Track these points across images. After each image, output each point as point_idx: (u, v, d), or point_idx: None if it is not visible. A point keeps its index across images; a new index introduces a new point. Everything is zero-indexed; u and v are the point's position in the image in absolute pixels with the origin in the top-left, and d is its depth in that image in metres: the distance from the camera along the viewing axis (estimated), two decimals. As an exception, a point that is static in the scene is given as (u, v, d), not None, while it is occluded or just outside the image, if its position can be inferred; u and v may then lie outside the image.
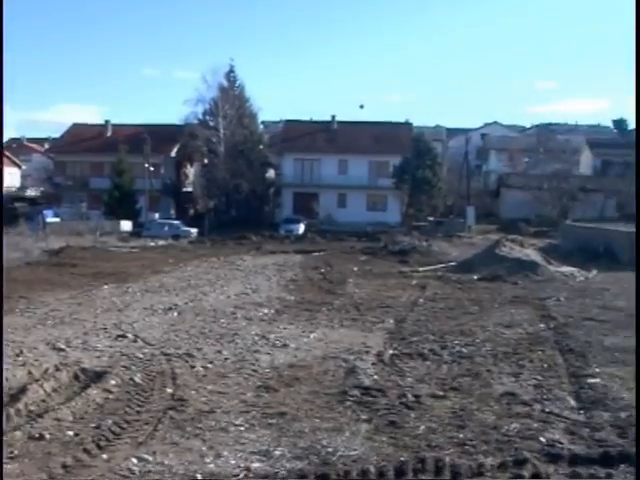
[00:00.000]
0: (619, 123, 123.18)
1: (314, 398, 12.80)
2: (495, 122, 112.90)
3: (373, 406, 12.28)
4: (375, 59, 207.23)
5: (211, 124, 79.82)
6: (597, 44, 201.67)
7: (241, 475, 9.29)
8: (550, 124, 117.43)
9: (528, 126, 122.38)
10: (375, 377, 14.39)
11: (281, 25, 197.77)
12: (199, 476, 9.25)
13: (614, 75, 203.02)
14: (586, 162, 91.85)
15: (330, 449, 10.21)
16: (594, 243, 44.64)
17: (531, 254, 37.42)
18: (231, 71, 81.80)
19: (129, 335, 18.33)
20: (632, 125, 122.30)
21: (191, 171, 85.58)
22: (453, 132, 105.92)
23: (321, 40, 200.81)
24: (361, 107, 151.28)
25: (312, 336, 18.75)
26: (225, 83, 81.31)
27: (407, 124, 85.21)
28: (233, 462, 9.74)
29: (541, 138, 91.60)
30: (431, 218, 70.92)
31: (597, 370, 15.33)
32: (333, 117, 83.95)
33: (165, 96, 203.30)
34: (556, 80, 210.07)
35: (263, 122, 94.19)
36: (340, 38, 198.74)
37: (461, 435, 10.90)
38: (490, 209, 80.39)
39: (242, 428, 11.13)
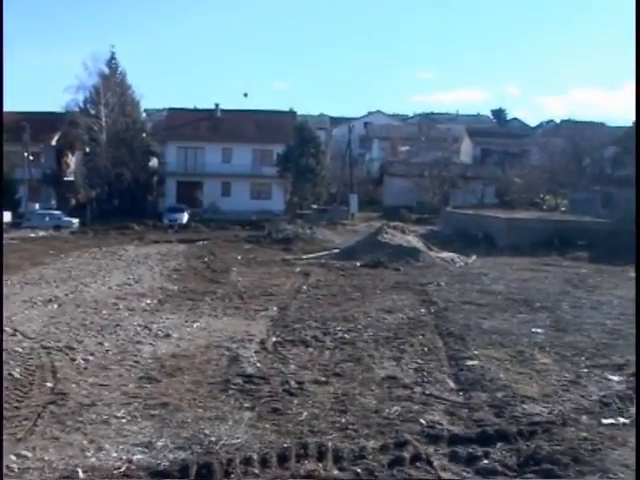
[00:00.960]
0: (498, 113, 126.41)
1: (197, 388, 12.76)
2: (378, 111, 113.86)
3: (256, 394, 12.33)
4: (259, 47, 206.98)
5: (92, 112, 78.06)
6: (477, 36, 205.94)
7: (123, 468, 9.19)
8: (432, 113, 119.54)
9: (410, 115, 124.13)
10: (258, 365, 14.44)
11: (163, 12, 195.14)
12: (80, 471, 9.09)
13: (493, 67, 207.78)
14: (466, 150, 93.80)
15: (213, 438, 10.21)
16: (473, 229, 45.78)
17: (412, 240, 38.10)
18: (112, 58, 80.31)
19: (7, 329, 17.78)
20: (511, 115, 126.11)
21: (72, 160, 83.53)
22: (337, 121, 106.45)
23: (204, 28, 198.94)
24: (245, 95, 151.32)
25: (195, 325, 18.67)
26: (106, 70, 79.71)
27: (291, 112, 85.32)
28: (115, 455, 9.63)
29: (423, 127, 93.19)
30: (315, 206, 71.18)
31: (475, 352, 15.77)
32: (217, 105, 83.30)
33: (45, 83, 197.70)
34: (436, 71, 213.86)
35: (146, 110, 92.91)
36: (223, 25, 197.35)
37: (343, 420, 11.04)
38: (373, 197, 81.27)
39: (124, 420, 11.00)
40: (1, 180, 57.98)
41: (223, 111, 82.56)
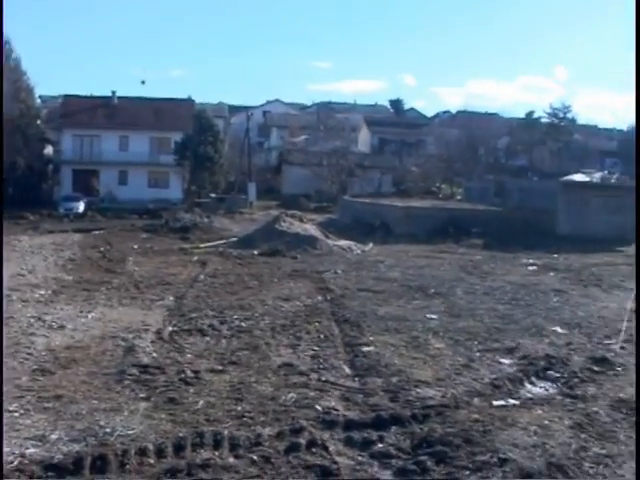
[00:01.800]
0: (395, 103, 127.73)
1: (92, 379, 12.61)
2: (277, 100, 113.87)
3: (152, 384, 12.26)
4: (156, 34, 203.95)
5: (-15, 98, 75.99)
6: (374, 27, 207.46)
7: (15, 462, 9.03)
8: (330, 103, 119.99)
9: (309, 104, 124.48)
10: (154, 355, 14.36)
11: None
12: (-30, 468, 8.90)
13: (390, 58, 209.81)
14: (364, 140, 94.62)
15: (108, 429, 10.12)
16: (371, 217, 46.29)
17: (310, 229, 38.24)
18: (6, 43, 78.14)
19: None
20: (408, 105, 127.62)
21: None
22: (235, 109, 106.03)
23: (100, 13, 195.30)
24: (142, 83, 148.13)
25: (90, 316, 18.38)
26: (0, 55, 77.58)
27: (189, 100, 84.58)
28: (7, 449, 9.41)
29: (321, 116, 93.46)
30: (213, 195, 70.75)
31: (371, 339, 16.02)
32: (113, 92, 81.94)
33: None
34: (334, 61, 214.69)
35: (41, 97, 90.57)
36: (119, 11, 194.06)
37: (239, 408, 11.09)
38: (272, 185, 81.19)
39: (16, 414, 10.79)
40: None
41: (120, 98, 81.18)
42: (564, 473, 9.03)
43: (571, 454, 9.61)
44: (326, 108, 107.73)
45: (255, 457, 9.23)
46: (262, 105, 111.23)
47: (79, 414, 10.77)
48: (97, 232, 45.97)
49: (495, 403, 11.63)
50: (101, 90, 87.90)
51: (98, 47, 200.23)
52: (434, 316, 18.88)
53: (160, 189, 73.97)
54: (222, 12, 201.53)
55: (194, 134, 70.78)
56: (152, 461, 9.09)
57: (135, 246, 36.89)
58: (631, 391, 12.52)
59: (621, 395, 12.30)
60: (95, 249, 35.27)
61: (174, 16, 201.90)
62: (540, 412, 11.25)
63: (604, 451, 9.82)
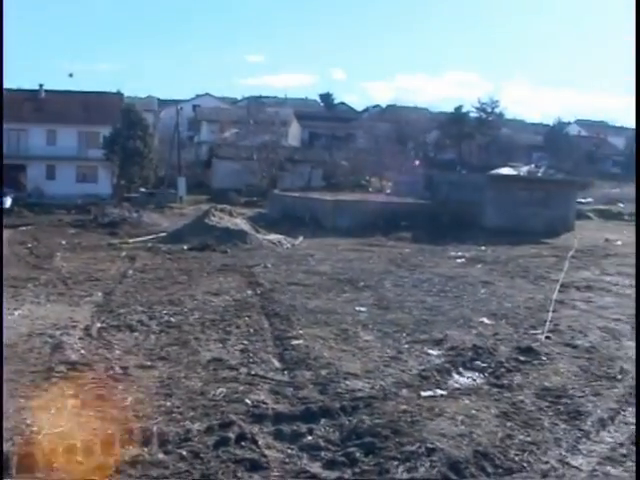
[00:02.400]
0: (325, 97, 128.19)
1: (19, 377, 12.38)
2: (207, 94, 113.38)
3: (80, 381, 12.12)
4: (84, 26, 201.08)
5: None
6: (304, 21, 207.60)
7: (-61, 464, 8.87)
8: (260, 97, 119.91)
9: (240, 98, 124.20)
10: (82, 352, 14.16)
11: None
12: None
13: (320, 52, 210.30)
14: (294, 134, 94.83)
15: (35, 428, 9.96)
16: (301, 211, 46.36)
17: (240, 223, 38.14)
18: None
19: None
20: (338, 99, 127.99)
21: None
22: (165, 103, 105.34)
23: (27, 5, 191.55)
24: (70, 76, 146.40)
25: (17, 313, 18.03)
26: None
27: (118, 94, 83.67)
28: None
29: (251, 110, 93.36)
30: (143, 189, 70.14)
31: (301, 332, 16.08)
32: (41, 86, 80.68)
33: None
34: (265, 54, 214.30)
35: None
36: (47, 2, 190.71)
37: (168, 403, 11.05)
38: (202, 180, 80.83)
39: (-60, 414, 10.59)
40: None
41: (47, 92, 79.93)
42: (490, 461, 9.20)
43: (497, 442, 9.80)
44: (256, 102, 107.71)
45: (184, 452, 9.22)
46: (192, 99, 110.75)
47: (5, 413, 10.58)
48: (24, 228, 45.10)
49: (423, 394, 11.78)
50: (28, 83, 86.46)
51: (24, 39, 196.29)
52: (363, 309, 19.03)
53: (89, 184, 73.13)
54: (151, 4, 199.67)
55: (123, 128, 70.08)
56: (80, 458, 9.01)
57: (63, 242, 36.35)
58: (556, 380, 12.85)
59: (546, 384, 12.57)
60: (22, 245, 34.63)
61: (102, 7, 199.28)
62: (467, 402, 11.43)
63: (529, 438, 10.03)
